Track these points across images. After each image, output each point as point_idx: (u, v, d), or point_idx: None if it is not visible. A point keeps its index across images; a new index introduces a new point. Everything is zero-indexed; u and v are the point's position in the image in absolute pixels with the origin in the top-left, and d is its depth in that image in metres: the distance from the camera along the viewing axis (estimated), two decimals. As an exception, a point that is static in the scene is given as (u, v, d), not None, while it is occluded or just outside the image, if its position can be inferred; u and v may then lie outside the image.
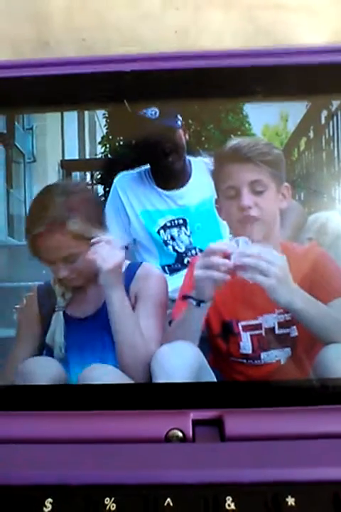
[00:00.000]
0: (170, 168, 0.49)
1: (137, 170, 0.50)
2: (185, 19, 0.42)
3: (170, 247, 0.50)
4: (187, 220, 0.50)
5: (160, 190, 0.50)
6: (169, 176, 0.50)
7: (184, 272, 0.47)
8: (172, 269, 0.50)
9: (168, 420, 0.31)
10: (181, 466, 0.28)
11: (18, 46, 0.42)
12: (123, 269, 0.44)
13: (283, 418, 0.30)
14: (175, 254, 0.50)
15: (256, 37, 0.41)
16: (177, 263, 0.50)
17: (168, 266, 0.50)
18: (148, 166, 0.50)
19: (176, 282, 0.47)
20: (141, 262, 0.47)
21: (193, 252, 0.50)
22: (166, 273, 0.50)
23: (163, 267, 0.50)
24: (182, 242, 0.50)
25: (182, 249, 0.50)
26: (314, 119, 0.44)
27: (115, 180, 0.49)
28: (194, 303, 0.40)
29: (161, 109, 0.43)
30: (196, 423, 0.31)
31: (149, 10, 0.41)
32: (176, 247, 0.50)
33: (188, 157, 0.50)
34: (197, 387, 0.31)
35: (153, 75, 0.35)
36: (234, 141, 0.43)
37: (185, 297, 0.41)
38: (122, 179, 0.50)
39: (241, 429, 0.30)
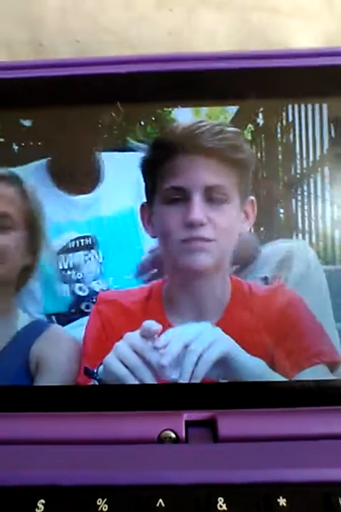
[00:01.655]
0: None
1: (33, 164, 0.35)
2: (178, 21, 0.42)
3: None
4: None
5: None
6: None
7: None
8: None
9: (160, 421, 0.31)
10: (174, 467, 0.28)
11: (12, 48, 0.42)
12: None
13: (275, 419, 0.30)
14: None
15: (250, 39, 0.41)
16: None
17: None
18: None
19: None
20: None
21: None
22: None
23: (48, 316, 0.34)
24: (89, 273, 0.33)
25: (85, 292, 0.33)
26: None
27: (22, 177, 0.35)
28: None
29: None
30: (189, 424, 0.31)
31: (143, 11, 0.42)
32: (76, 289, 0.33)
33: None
34: (190, 388, 0.31)
35: (147, 77, 0.35)
36: (189, 122, 0.31)
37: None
38: None
39: (234, 430, 0.30)
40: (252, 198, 0.32)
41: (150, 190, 0.32)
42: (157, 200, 0.32)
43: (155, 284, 0.34)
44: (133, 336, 0.30)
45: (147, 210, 0.32)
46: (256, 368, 0.31)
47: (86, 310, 0.34)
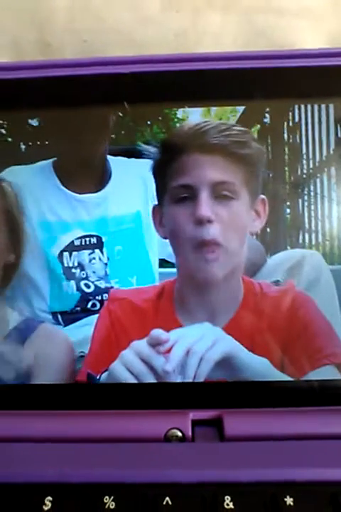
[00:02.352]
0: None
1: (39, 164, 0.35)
2: (184, 22, 0.42)
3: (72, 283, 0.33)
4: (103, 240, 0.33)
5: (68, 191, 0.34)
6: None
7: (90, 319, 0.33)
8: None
9: (167, 420, 0.31)
10: (180, 466, 0.28)
11: (19, 47, 0.43)
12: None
13: (282, 419, 0.30)
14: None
15: (256, 41, 0.41)
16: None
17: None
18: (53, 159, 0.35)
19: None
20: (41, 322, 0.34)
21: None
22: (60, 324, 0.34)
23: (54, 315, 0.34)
24: (94, 272, 0.33)
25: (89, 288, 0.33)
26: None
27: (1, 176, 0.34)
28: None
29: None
30: (195, 423, 0.31)
31: (149, 12, 0.42)
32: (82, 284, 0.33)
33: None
34: (196, 387, 0.32)
35: (153, 77, 0.35)
36: (195, 122, 0.31)
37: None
38: (15, 174, 0.34)
39: (240, 430, 0.30)
40: (263, 196, 0.31)
41: (161, 192, 0.32)
42: (166, 201, 0.32)
43: (167, 283, 0.34)
44: (140, 344, 0.30)
45: (159, 211, 0.32)
46: (260, 367, 0.31)
47: (92, 308, 0.34)
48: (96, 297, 0.34)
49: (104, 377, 0.31)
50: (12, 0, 0.42)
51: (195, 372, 0.30)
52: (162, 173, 0.31)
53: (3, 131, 0.37)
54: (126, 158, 0.34)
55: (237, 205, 0.30)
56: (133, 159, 0.34)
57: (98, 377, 0.31)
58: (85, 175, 0.35)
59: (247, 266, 0.33)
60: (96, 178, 0.35)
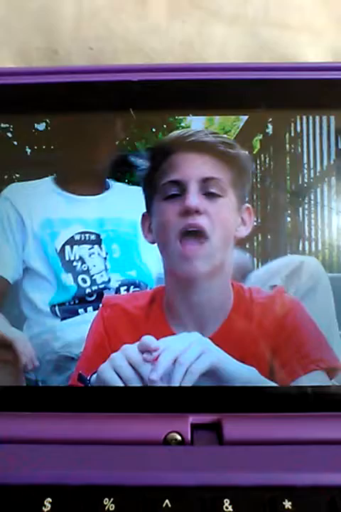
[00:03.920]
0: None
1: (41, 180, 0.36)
2: (190, 32, 0.43)
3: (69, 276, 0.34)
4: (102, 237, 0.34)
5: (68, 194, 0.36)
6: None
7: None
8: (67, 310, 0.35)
9: (166, 423, 0.31)
10: (179, 469, 0.28)
11: (27, 55, 0.43)
12: None
13: (280, 423, 0.31)
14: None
15: (259, 53, 0.42)
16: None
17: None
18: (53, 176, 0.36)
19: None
20: None
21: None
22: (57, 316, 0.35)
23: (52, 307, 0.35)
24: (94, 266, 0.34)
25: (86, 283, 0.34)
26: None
27: (4, 192, 0.35)
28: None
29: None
30: (195, 427, 0.31)
31: (156, 22, 0.42)
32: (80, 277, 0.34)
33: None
34: (196, 391, 0.32)
35: (158, 86, 0.36)
36: (184, 130, 0.32)
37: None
38: (15, 190, 0.36)
39: (239, 434, 0.30)
40: (248, 205, 0.32)
41: (150, 198, 0.33)
42: (155, 201, 0.32)
43: (158, 289, 0.35)
44: (131, 349, 0.30)
45: (147, 219, 0.33)
46: (247, 377, 0.31)
47: (88, 299, 0.35)
48: (94, 290, 0.35)
49: (93, 378, 0.31)
50: (20, 7, 0.43)
51: (181, 383, 0.30)
52: (150, 179, 0.32)
53: (10, 134, 0.38)
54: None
55: (224, 202, 0.31)
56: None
57: (88, 379, 0.31)
58: (86, 182, 0.36)
59: (235, 270, 0.33)
60: (97, 186, 0.36)
